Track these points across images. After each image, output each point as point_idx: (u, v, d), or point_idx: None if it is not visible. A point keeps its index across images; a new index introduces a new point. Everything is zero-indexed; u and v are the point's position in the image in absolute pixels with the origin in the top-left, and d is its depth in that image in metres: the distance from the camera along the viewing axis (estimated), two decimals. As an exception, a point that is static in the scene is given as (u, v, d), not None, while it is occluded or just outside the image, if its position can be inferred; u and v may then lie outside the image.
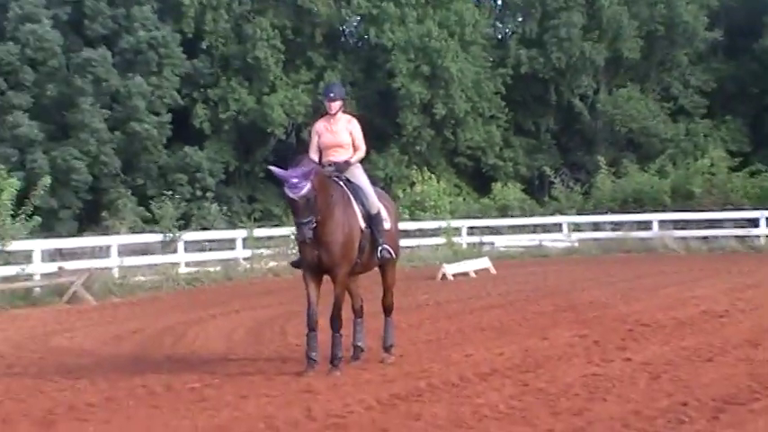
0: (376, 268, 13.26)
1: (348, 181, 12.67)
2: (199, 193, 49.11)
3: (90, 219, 47.50)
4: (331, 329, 12.36)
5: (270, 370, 12.68)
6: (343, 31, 56.85)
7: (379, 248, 12.60)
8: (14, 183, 24.80)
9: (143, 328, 17.70)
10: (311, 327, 12.24)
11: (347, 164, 12.69)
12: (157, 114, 51.18)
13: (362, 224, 12.46)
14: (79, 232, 43.26)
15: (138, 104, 50.16)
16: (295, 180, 11.70)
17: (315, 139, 12.87)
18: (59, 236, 36.43)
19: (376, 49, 52.46)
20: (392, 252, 12.77)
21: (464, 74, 51.33)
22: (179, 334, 16.80)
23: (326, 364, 12.33)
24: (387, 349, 13.32)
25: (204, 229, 32.41)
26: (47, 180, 26.50)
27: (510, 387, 11.07)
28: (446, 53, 50.69)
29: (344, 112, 13.13)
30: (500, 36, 57.92)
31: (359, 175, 12.79)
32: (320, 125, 12.93)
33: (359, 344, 13.24)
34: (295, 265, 12.91)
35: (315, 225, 11.79)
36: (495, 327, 16.48)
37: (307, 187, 11.67)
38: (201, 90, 52.80)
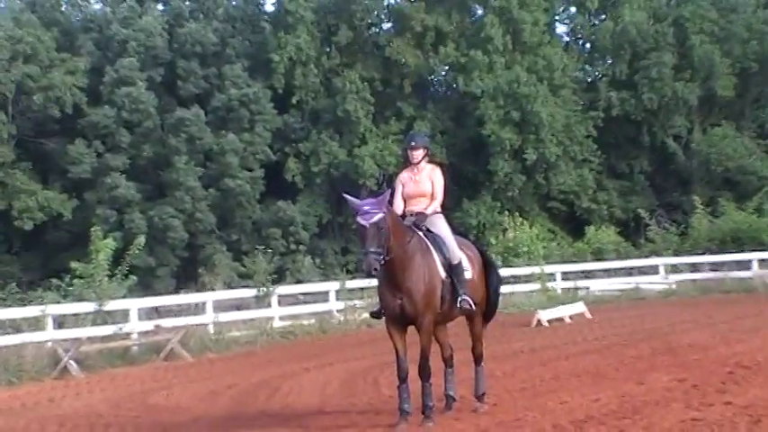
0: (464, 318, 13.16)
1: (428, 231, 12.60)
2: (293, 246, 49.40)
3: (187, 275, 48.14)
4: (420, 380, 12.28)
5: (362, 423, 12.64)
6: (432, 80, 57.02)
7: (459, 299, 12.46)
8: (111, 243, 25.23)
9: (238, 383, 17.77)
10: (402, 378, 12.18)
11: (423, 215, 12.62)
12: (250, 170, 51.85)
13: (443, 274, 12.35)
14: (177, 289, 43.77)
15: (232, 161, 50.88)
16: (367, 207, 11.76)
17: (399, 189, 12.86)
18: (155, 294, 36.92)
19: (465, 96, 52.50)
20: (472, 303, 12.58)
21: (554, 118, 51.09)
22: (273, 388, 16.82)
23: (419, 415, 12.24)
24: (479, 398, 13.20)
25: (298, 282, 32.50)
26: (141, 240, 26.92)
27: (606, 434, 10.89)
28: (535, 98, 50.56)
29: (430, 161, 13.11)
30: (590, 79, 57.53)
31: (440, 225, 12.72)
32: (404, 175, 12.95)
33: (450, 393, 13.13)
34: (374, 315, 12.85)
35: (384, 261, 11.68)
36: (591, 372, 16.19)
37: (379, 215, 11.68)
38: (293, 144, 53.25)
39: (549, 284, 32.51)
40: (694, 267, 34.77)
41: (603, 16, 56.19)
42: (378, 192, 52.76)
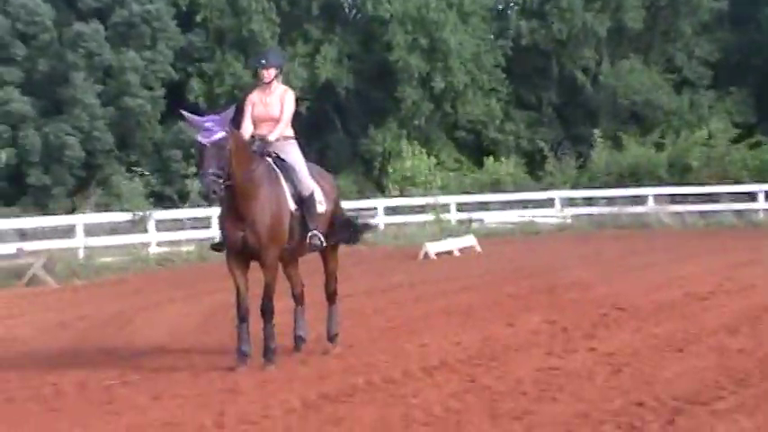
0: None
1: (279, 158, 11.62)
2: (193, 169, 48.08)
3: (84, 196, 46.87)
4: (262, 320, 11.41)
5: (201, 364, 11.74)
6: (340, 3, 55.53)
7: (310, 234, 11.55)
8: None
9: (92, 315, 16.78)
10: (241, 317, 11.34)
11: (266, 141, 11.62)
12: (151, 89, 50.19)
13: (292, 206, 11.42)
14: (72, 210, 42.49)
15: (132, 79, 49.13)
16: (209, 124, 10.78)
17: (248, 111, 11.84)
18: (51, 214, 35.37)
19: (374, 21, 51.19)
20: (323, 239, 11.70)
21: (463, 46, 50.05)
22: (127, 320, 15.91)
23: (261, 359, 11.39)
24: (331, 339, 12.40)
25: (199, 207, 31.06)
26: (2, 156, 25.23)
27: (454, 384, 10.19)
28: (445, 25, 49.45)
29: (285, 84, 12.13)
30: (500, 7, 56.50)
31: (292, 152, 11.74)
32: (255, 96, 11.94)
33: (300, 333, 12.30)
34: (216, 248, 11.97)
35: (225, 186, 10.73)
36: (463, 311, 15.54)
37: (220, 134, 10.72)
38: (196, 64, 51.65)
39: (444, 216, 31.80)
40: (590, 202, 34.36)
41: (517, -58, 55.12)
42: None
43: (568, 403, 9.23)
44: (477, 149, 51.45)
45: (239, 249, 11.23)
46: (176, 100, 50.56)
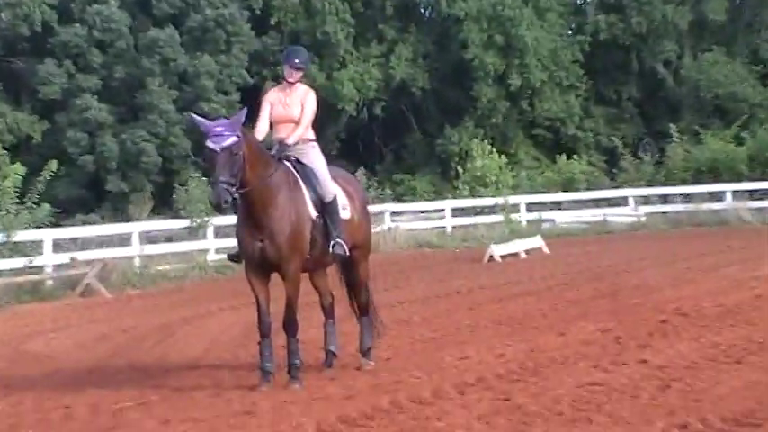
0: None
1: (299, 162, 10.97)
2: (270, 172, 47.77)
3: (163, 202, 46.87)
4: (286, 335, 10.79)
5: (226, 382, 11.18)
6: (415, 2, 54.86)
7: (332, 243, 10.82)
8: (18, 169, 23.27)
9: (136, 326, 16.34)
10: (263, 333, 10.72)
11: (284, 144, 10.98)
12: (226, 93, 50.12)
13: (313, 213, 10.73)
14: (151, 214, 42.57)
15: (207, 84, 49.15)
16: (219, 129, 10.17)
17: (266, 110, 11.17)
18: (129, 220, 35.13)
19: (448, 20, 50.49)
20: (347, 248, 10.95)
21: (540, 42, 49.15)
22: (170, 332, 15.46)
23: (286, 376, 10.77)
24: (364, 354, 11.71)
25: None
26: (53, 165, 24.78)
27: (485, 403, 9.43)
28: (521, 21, 48.56)
29: (304, 83, 11.48)
30: (578, 2, 55.44)
31: (312, 156, 11.06)
32: (273, 95, 11.32)
33: (331, 348, 11.63)
34: (233, 258, 11.33)
35: (238, 194, 10.15)
36: (516, 319, 14.84)
37: (232, 139, 10.10)
38: (271, 67, 51.34)
39: (513, 216, 30.93)
40: (666, 199, 33.19)
41: (594, -65, 53.94)
42: (358, 117, 51.80)
43: (605, 426, 8.48)
44: (555, 147, 50.36)
45: (258, 261, 10.61)
46: (252, 104, 50.44)
